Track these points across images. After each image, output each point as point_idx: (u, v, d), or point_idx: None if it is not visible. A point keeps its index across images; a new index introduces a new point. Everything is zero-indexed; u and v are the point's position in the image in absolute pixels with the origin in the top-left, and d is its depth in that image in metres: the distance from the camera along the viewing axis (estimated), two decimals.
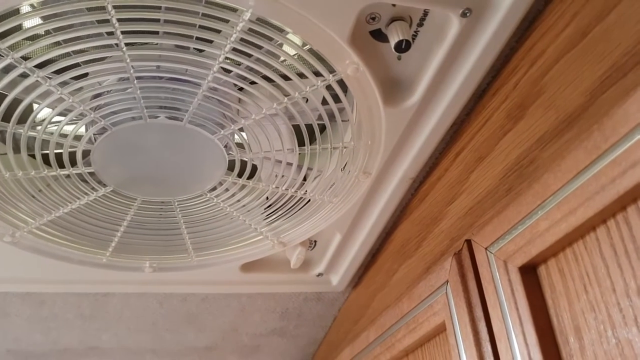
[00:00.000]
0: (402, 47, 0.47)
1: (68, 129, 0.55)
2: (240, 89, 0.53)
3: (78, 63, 0.49)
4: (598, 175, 0.37)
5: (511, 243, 0.45)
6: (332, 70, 0.51)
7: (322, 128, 0.60)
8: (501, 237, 0.47)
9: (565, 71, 0.44)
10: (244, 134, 0.59)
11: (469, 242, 0.52)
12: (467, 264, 0.51)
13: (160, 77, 0.52)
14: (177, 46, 0.50)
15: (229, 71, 0.51)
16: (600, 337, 0.38)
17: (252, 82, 0.52)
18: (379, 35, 0.49)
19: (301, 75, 0.51)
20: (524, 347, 0.43)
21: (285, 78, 0.52)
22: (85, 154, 0.59)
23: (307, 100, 0.56)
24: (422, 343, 0.64)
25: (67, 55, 0.48)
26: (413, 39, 0.50)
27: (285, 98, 0.52)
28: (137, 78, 0.50)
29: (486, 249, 0.49)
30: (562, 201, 0.40)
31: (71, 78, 0.49)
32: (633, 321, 0.36)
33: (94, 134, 0.56)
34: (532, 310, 0.43)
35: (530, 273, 0.45)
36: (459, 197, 0.58)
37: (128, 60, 0.48)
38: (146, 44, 0.50)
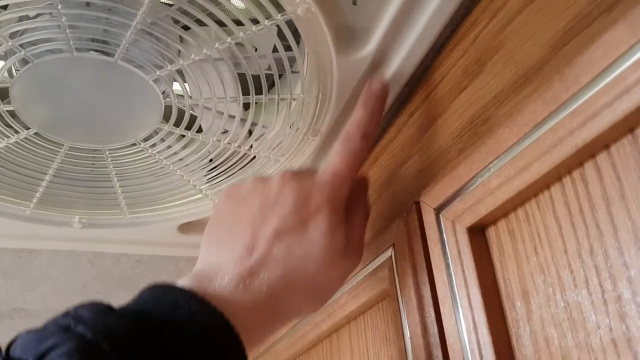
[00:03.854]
0: None
1: None
2: (184, 27, 0.49)
3: None
4: (556, 128, 0.34)
5: (461, 202, 0.43)
6: (282, 11, 0.47)
7: (272, 84, 0.56)
8: (450, 197, 0.44)
9: (527, 23, 0.41)
10: (186, 84, 0.54)
11: (417, 204, 0.49)
12: (414, 226, 0.49)
13: (89, 4, 0.47)
14: None
15: (169, 5, 0.46)
16: (548, 301, 0.36)
17: (198, 21, 0.47)
18: None
19: (254, 22, 0.47)
20: (469, 311, 0.41)
21: (237, 24, 0.47)
22: (6, 91, 0.53)
23: (256, 49, 0.52)
24: (365, 309, 0.61)
25: None
26: None
27: (229, 37, 0.48)
28: (62, 2, 0.45)
29: (434, 209, 0.46)
30: (517, 156, 0.37)
31: None
32: (584, 283, 0.34)
33: (14, 67, 0.51)
34: (478, 273, 0.41)
35: (478, 234, 0.43)
36: (411, 158, 0.56)
37: None
38: None
